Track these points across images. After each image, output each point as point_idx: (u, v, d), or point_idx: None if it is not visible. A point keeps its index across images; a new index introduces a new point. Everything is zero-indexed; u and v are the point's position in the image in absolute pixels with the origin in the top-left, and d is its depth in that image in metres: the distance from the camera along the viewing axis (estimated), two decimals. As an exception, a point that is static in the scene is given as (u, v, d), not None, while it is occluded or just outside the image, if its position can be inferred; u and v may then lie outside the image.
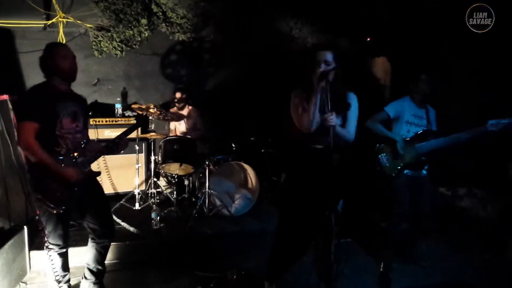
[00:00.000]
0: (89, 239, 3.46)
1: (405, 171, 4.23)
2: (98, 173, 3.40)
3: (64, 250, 3.34)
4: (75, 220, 3.56)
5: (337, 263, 3.06)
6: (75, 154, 3.16)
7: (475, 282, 4.05)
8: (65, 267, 3.41)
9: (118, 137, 3.41)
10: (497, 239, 4.59)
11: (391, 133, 4.32)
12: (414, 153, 4.17)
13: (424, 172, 4.28)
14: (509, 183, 4.71)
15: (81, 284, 3.54)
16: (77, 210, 3.30)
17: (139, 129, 5.57)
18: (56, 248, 3.28)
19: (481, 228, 4.92)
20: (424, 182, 4.30)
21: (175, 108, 6.11)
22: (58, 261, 3.33)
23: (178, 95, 6.02)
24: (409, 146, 4.19)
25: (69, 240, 3.37)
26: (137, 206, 5.46)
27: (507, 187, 4.75)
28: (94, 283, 3.50)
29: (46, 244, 3.29)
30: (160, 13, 5.76)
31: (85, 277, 3.51)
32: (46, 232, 3.24)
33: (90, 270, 3.49)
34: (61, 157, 3.07)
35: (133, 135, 5.47)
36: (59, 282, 3.38)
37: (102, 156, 3.76)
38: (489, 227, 4.83)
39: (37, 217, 4.49)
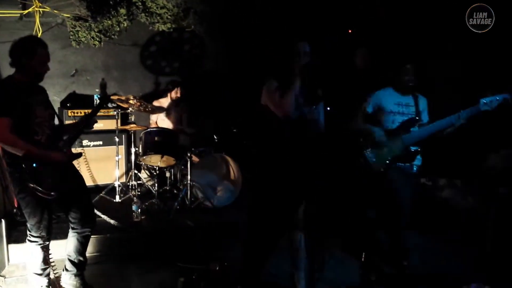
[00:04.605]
0: (70, 230, 3.42)
1: (397, 164, 3.84)
2: (79, 155, 3.37)
3: (47, 243, 3.30)
4: (57, 211, 3.57)
5: (318, 254, 3.06)
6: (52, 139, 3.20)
7: (457, 272, 4.05)
8: (46, 260, 3.35)
9: (88, 116, 3.52)
10: (477, 229, 4.65)
11: (372, 127, 3.95)
12: (401, 144, 3.79)
13: (415, 168, 3.88)
14: (488, 173, 4.78)
15: (62, 277, 3.49)
16: (62, 197, 3.26)
17: (119, 120, 5.50)
18: (39, 241, 3.24)
19: (462, 218, 4.98)
20: (412, 177, 3.94)
21: (157, 100, 6.05)
22: (39, 255, 3.28)
23: (179, 91, 5.99)
24: (395, 138, 3.82)
25: (52, 233, 3.35)
26: (117, 199, 5.39)
27: (486, 177, 4.81)
28: (76, 275, 3.46)
29: (28, 238, 3.26)
30: (140, 3, 5.68)
31: (66, 269, 3.47)
32: (29, 225, 3.21)
33: (72, 262, 3.45)
34: (43, 144, 3.10)
35: (113, 127, 5.46)
36: (39, 275, 3.32)
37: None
38: (469, 218, 4.89)
39: (14, 210, 4.44)
